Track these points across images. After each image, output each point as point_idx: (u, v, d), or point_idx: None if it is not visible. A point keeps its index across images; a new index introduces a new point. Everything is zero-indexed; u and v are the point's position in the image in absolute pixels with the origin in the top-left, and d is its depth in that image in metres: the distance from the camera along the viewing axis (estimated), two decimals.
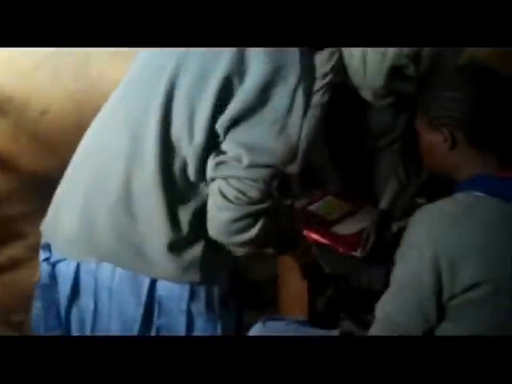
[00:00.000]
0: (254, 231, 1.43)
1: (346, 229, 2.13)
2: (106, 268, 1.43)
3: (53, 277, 1.50)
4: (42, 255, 1.54)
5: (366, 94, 2.38)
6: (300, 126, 1.40)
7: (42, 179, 3.48)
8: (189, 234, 1.44)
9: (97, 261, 1.44)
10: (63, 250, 1.49)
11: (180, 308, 1.45)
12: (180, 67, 1.42)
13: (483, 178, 1.39)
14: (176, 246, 1.43)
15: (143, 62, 1.55)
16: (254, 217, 1.42)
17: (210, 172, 1.41)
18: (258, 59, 1.38)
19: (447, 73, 1.50)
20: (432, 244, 1.33)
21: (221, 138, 1.40)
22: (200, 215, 1.44)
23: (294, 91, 1.37)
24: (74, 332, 1.51)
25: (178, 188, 1.43)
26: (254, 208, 1.41)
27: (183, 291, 1.44)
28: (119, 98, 1.55)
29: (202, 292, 1.47)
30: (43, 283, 1.53)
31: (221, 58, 1.38)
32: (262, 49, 1.39)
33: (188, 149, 1.40)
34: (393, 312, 1.37)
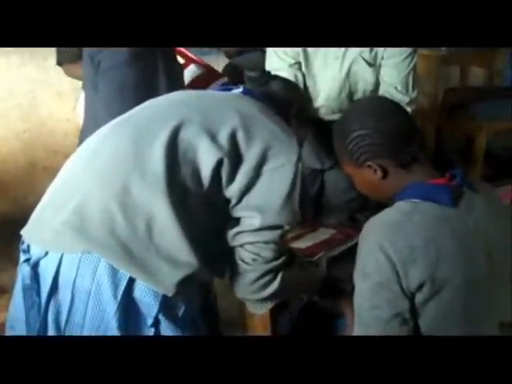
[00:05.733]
0: (275, 286, 1.62)
1: (303, 243, 2.25)
2: (88, 262, 1.48)
3: (33, 276, 1.54)
4: (22, 257, 1.57)
5: None
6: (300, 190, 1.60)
7: None
8: (181, 247, 1.50)
9: (82, 253, 1.48)
10: (49, 242, 1.52)
11: (149, 312, 1.50)
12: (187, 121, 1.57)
13: (416, 186, 1.50)
14: (165, 255, 1.48)
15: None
16: (272, 273, 1.62)
17: (230, 242, 1.60)
18: (261, 131, 1.59)
19: (349, 117, 1.61)
20: (384, 250, 1.41)
21: (233, 202, 1.57)
22: (199, 230, 1.53)
23: (296, 164, 1.57)
24: (50, 324, 1.53)
25: (182, 201, 1.51)
26: (271, 265, 1.60)
27: (155, 299, 1.49)
28: (135, 110, 1.68)
29: (172, 305, 1.52)
30: (25, 284, 1.55)
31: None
32: (265, 119, 1.61)
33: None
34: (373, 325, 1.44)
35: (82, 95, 2.65)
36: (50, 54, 3.22)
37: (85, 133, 2.32)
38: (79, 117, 2.63)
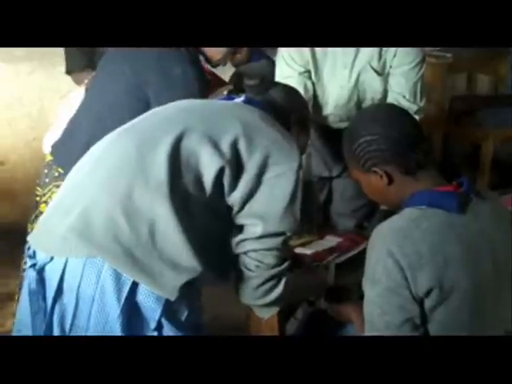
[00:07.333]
0: (278, 290, 1.65)
1: (309, 250, 2.27)
2: (93, 267, 1.49)
3: (39, 281, 1.56)
4: (29, 262, 1.59)
5: None
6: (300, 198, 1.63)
7: (6, 228, 3.51)
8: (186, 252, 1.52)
9: (86, 258, 1.49)
10: (54, 248, 1.54)
11: (152, 316, 1.51)
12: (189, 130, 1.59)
13: (424, 193, 1.51)
14: (167, 260, 1.50)
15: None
16: (275, 278, 1.64)
17: (234, 249, 1.63)
18: (261, 141, 1.60)
19: (357, 123, 1.62)
20: (392, 256, 1.42)
21: (236, 210, 1.59)
22: (204, 235, 1.56)
23: (297, 171, 1.61)
24: (55, 328, 1.55)
25: (185, 206, 1.53)
26: (274, 271, 1.63)
27: (158, 303, 1.50)
28: (140, 118, 1.71)
29: (175, 310, 1.54)
30: (31, 288, 1.57)
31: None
32: (266, 128, 1.63)
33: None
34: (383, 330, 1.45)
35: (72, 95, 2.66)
36: (58, 61, 3.24)
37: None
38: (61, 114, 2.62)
